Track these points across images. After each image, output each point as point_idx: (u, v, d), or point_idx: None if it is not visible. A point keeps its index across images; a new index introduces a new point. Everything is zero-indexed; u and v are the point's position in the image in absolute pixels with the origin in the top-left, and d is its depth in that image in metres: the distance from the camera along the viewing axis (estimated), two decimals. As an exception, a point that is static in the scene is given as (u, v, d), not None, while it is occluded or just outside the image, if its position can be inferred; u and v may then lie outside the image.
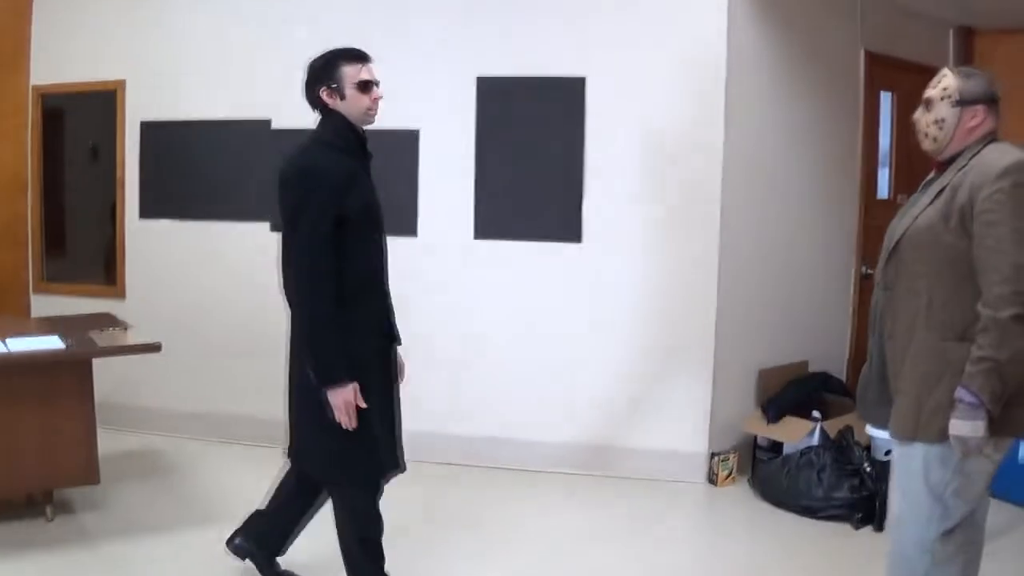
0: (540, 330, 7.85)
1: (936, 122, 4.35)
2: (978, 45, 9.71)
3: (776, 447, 7.64)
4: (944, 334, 4.16)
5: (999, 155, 4.14)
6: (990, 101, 4.32)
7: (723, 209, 7.56)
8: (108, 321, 7.25)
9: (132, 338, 6.87)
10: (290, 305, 4.94)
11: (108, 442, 7.35)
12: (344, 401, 4.64)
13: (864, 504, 6.85)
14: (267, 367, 8.18)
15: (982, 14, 9.18)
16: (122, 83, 8.56)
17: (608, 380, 7.77)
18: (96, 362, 6.64)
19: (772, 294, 8.06)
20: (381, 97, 4.94)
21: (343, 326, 4.68)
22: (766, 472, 7.51)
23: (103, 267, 8.86)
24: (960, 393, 4.00)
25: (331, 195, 4.63)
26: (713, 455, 7.71)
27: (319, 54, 4.92)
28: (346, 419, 4.67)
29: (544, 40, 7.74)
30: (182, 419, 8.52)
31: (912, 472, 4.30)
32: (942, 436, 4.10)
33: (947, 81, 4.36)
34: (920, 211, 4.29)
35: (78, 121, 8.94)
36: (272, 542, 5.56)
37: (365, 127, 4.95)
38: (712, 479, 7.71)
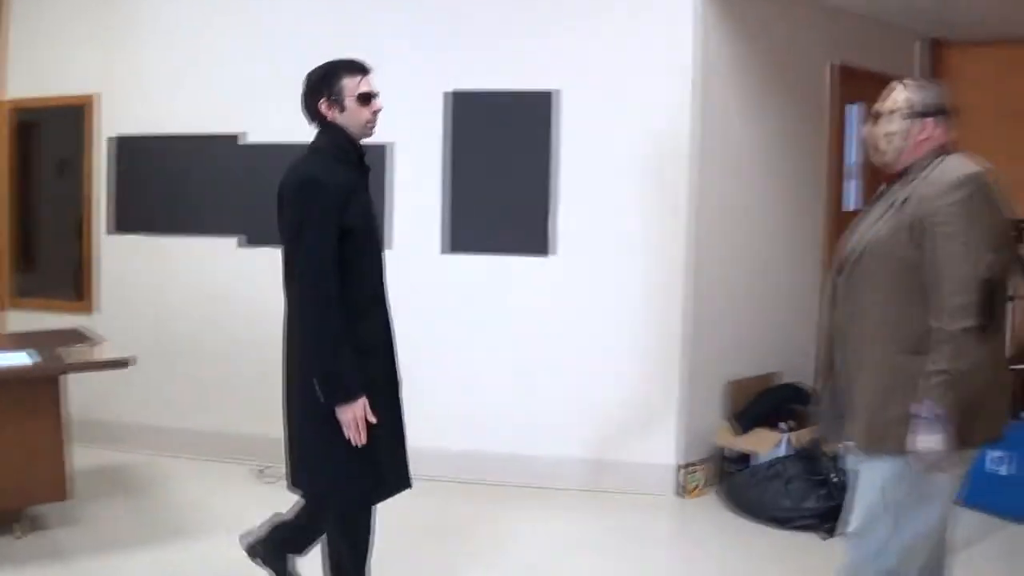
0: (511, 344, 7.87)
1: (886, 135, 4.32)
2: (946, 57, 9.75)
3: (744, 458, 7.69)
4: (898, 347, 4.12)
5: (952, 167, 4.13)
6: (942, 113, 4.30)
7: (693, 222, 7.60)
8: (78, 337, 7.24)
9: (102, 354, 6.86)
10: (290, 320, 4.89)
11: (80, 458, 7.33)
12: (354, 417, 4.58)
13: (832, 514, 6.86)
14: (237, 382, 8.22)
15: (950, 26, 9.23)
16: (94, 97, 8.57)
17: (576, 392, 7.79)
18: (67, 378, 6.64)
19: (741, 306, 8.09)
20: (381, 109, 4.86)
21: (349, 342, 4.62)
22: (735, 484, 7.55)
23: (73, 282, 8.81)
24: (917, 408, 3.96)
25: (333, 209, 4.57)
26: (682, 467, 7.74)
27: (318, 65, 4.85)
28: (356, 435, 4.60)
29: (515, 54, 7.80)
30: (153, 434, 8.50)
31: (871, 487, 4.26)
32: (899, 450, 4.06)
33: (897, 94, 4.35)
34: (872, 225, 4.27)
35: (50, 135, 8.92)
36: (292, 547, 5.53)
37: (364, 140, 4.88)
38: (681, 491, 7.73)
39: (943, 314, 3.95)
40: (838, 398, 4.44)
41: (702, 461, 7.81)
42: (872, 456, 4.24)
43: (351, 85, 4.75)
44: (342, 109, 4.75)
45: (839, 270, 4.40)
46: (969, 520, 7.14)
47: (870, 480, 4.28)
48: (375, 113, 4.81)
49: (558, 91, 7.73)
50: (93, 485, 7.57)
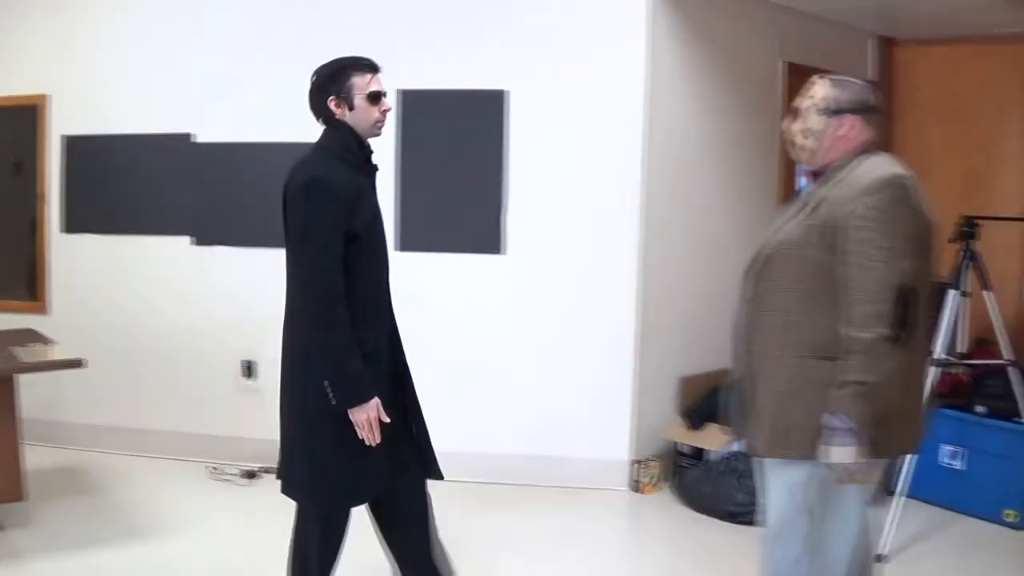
0: (462, 341, 7.89)
1: (803, 132, 4.21)
2: (898, 55, 9.80)
3: (698, 454, 7.72)
4: (801, 351, 4.02)
5: (871, 169, 4.00)
6: (864, 111, 4.17)
7: (644, 220, 7.64)
8: (31, 337, 7.20)
9: (55, 354, 6.81)
10: (289, 321, 4.77)
11: (34, 458, 7.32)
12: (367, 418, 4.48)
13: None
14: (189, 381, 8.21)
15: (901, 25, 9.28)
16: (45, 98, 8.53)
17: (530, 390, 7.81)
18: (21, 378, 6.62)
19: (693, 303, 8.12)
20: (390, 109, 4.80)
21: (356, 346, 4.53)
22: (689, 479, 7.58)
23: (26, 282, 8.77)
24: (828, 419, 3.85)
25: (340, 211, 4.47)
26: (636, 463, 7.77)
27: (327, 62, 4.73)
28: (370, 436, 4.50)
29: (466, 53, 7.81)
30: (106, 434, 8.48)
31: (781, 491, 4.21)
32: (801, 455, 4.00)
33: (817, 90, 4.21)
34: (786, 223, 4.17)
35: (1, 136, 8.88)
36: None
37: (372, 138, 4.77)
38: (635, 487, 7.77)
39: (854, 322, 3.85)
40: (745, 399, 4.33)
41: (656, 457, 7.85)
42: (769, 458, 4.20)
43: (361, 83, 4.64)
44: (351, 107, 4.64)
45: (751, 269, 4.30)
46: (923, 514, 7.26)
47: (778, 484, 4.23)
48: (384, 113, 4.71)
49: (508, 91, 7.76)
50: (47, 485, 7.53)
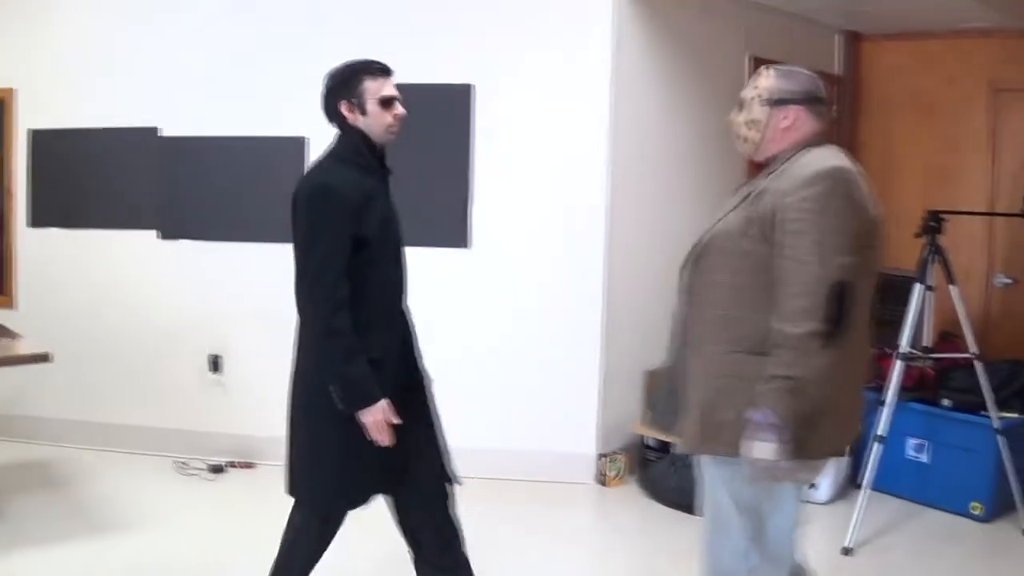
0: (428, 335, 7.87)
1: (748, 123, 4.13)
2: (864, 50, 9.84)
3: (664, 447, 7.71)
4: (737, 346, 3.91)
5: (812, 161, 3.89)
6: (809, 101, 4.07)
7: (610, 213, 7.65)
8: (-3, 331, 7.21)
9: (22, 348, 6.80)
10: (301, 327, 4.70)
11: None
12: (374, 421, 4.45)
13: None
14: (156, 375, 8.19)
15: (867, 20, 9.31)
16: (11, 91, 8.49)
17: (497, 383, 7.82)
18: (-15, 372, 6.62)
19: (659, 296, 8.08)
20: (403, 113, 4.70)
21: (361, 351, 4.51)
22: (655, 472, 7.60)
23: (-7, 276, 8.75)
24: (751, 413, 3.74)
25: (346, 217, 4.45)
26: (602, 456, 7.79)
27: (339, 65, 4.69)
28: (381, 437, 4.47)
29: (432, 47, 7.79)
30: (74, 428, 8.44)
31: (718, 487, 4.09)
32: (731, 452, 3.84)
33: (761, 80, 4.15)
34: (725, 215, 4.09)
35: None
36: None
37: (385, 143, 4.74)
38: (601, 480, 7.79)
39: (785, 316, 3.74)
40: (677, 392, 4.21)
41: (622, 450, 7.87)
42: (701, 454, 4.10)
43: (373, 87, 4.60)
44: (364, 112, 4.59)
45: (689, 261, 4.19)
46: (889, 507, 7.30)
47: (715, 480, 4.10)
48: (397, 117, 4.67)
49: (474, 85, 7.76)
50: (12, 481, 7.54)
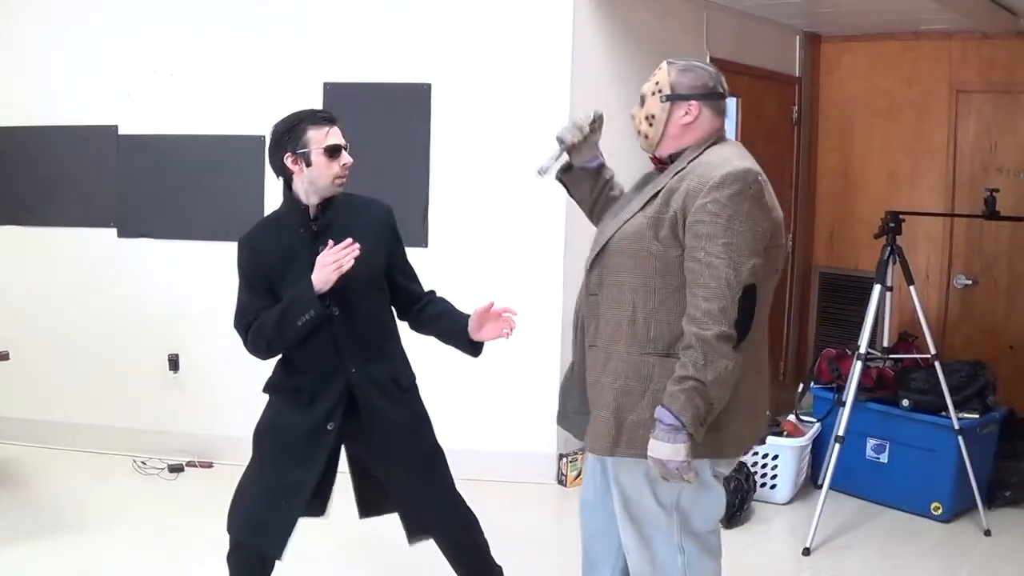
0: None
1: (647, 118, 4.16)
2: (824, 52, 9.87)
3: (625, 448, 7.72)
4: (647, 348, 3.91)
5: (721, 161, 3.89)
6: (709, 96, 4.09)
7: (568, 214, 7.62)
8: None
9: (-22, 347, 6.80)
10: None
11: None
12: (325, 272, 4.39)
13: (728, 502, 6.98)
14: (115, 373, 8.15)
15: (827, 22, 9.33)
16: (-34, 89, 8.42)
17: (456, 383, 7.78)
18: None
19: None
20: (350, 162, 4.56)
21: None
22: (615, 473, 7.60)
23: (-51, 275, 8.66)
24: (660, 413, 3.72)
25: (255, 273, 4.53)
26: (562, 456, 7.79)
27: (283, 118, 4.54)
28: (344, 259, 4.38)
29: (391, 46, 7.77)
30: (31, 427, 8.38)
31: (636, 486, 4.09)
32: (643, 454, 3.82)
33: (660, 75, 4.16)
34: (631, 215, 4.05)
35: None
36: None
37: (332, 195, 4.60)
38: (562, 480, 7.79)
39: (695, 318, 3.74)
40: (584, 393, 4.17)
41: (582, 450, 7.85)
42: (614, 457, 4.04)
43: (318, 137, 4.45)
44: (308, 164, 4.44)
45: (594, 260, 4.19)
46: (849, 507, 7.33)
47: (635, 480, 4.09)
48: (344, 167, 4.53)
49: (431, 84, 7.74)
50: (-31, 479, 7.48)
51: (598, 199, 4.72)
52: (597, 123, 4.55)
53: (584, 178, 4.70)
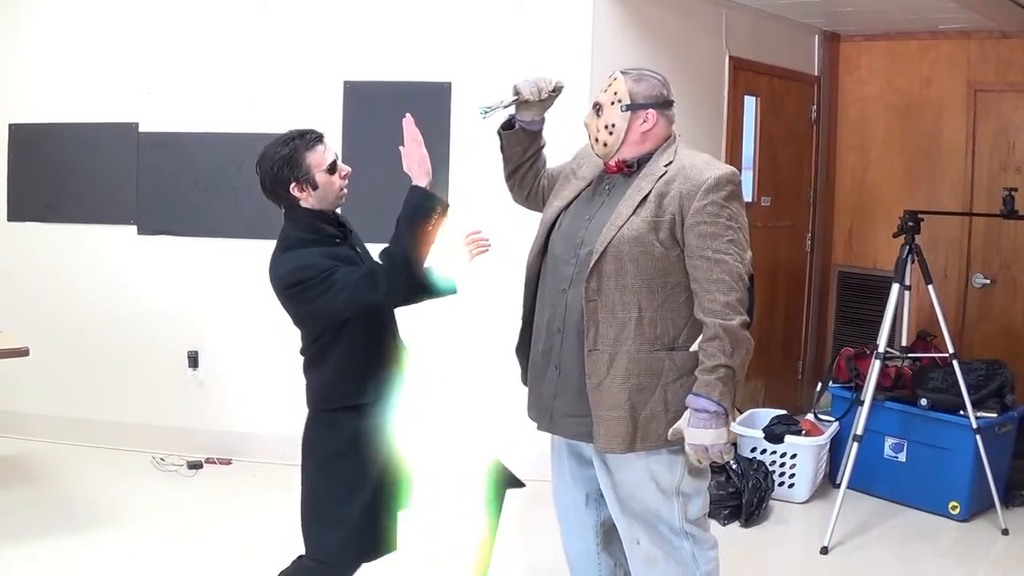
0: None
1: (607, 127, 4.36)
2: (843, 51, 9.86)
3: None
4: (656, 344, 4.13)
5: (703, 164, 4.19)
6: (662, 105, 4.38)
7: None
8: (-26, 326, 7.18)
9: (0, 342, 6.80)
10: None
11: (-24, 448, 7.30)
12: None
13: (731, 500, 6.97)
14: (135, 370, 8.16)
15: (846, 21, 9.32)
16: (-11, 86, 8.46)
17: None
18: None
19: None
20: (349, 171, 4.61)
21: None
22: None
23: (-30, 271, 8.69)
24: (697, 402, 3.99)
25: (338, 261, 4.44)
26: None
27: (271, 150, 4.47)
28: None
29: (411, 45, 7.78)
30: (51, 424, 8.40)
31: (639, 478, 4.25)
32: (661, 443, 4.13)
33: (617, 85, 4.42)
34: (624, 220, 4.17)
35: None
36: None
37: (337, 207, 4.65)
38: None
39: (715, 311, 4.01)
40: (581, 396, 4.25)
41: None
42: (632, 452, 4.17)
43: (316, 159, 4.45)
44: (315, 187, 4.45)
45: (591, 266, 4.20)
46: (867, 506, 7.32)
47: (639, 473, 4.25)
48: (345, 177, 4.58)
49: (452, 83, 7.74)
50: (-10, 475, 7.50)
51: (523, 164, 5.03)
52: (556, 92, 4.79)
53: (521, 139, 4.93)
